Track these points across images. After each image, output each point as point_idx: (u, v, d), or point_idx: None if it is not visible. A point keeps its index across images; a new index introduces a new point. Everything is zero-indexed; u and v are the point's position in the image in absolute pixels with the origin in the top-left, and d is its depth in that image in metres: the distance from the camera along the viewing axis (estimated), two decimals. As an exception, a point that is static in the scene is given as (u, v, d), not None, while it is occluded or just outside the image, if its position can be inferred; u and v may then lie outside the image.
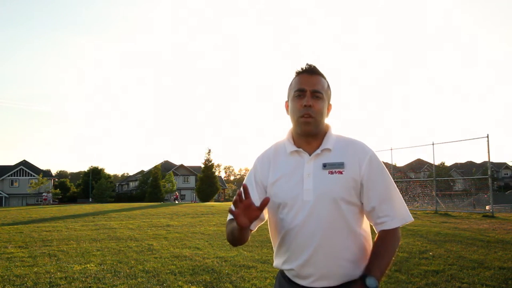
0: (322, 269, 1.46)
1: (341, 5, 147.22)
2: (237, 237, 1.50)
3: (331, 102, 1.62)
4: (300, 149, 1.55)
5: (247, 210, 1.39)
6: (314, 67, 1.56)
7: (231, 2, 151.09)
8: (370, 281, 1.36)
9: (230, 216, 1.61)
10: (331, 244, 1.46)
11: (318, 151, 1.53)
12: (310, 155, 1.54)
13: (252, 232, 1.61)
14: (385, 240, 1.49)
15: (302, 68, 1.57)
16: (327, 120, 1.61)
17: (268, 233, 1.65)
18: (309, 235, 1.47)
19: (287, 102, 1.61)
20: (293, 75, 1.60)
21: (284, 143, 1.61)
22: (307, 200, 1.48)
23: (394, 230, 1.50)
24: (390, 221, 1.49)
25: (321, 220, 1.47)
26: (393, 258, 1.49)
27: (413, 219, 1.55)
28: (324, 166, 1.51)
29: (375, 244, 1.51)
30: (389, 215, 1.49)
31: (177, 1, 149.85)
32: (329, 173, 1.49)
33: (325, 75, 1.59)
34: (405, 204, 1.56)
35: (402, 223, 1.51)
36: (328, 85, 1.59)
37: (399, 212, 1.51)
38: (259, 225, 1.63)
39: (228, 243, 1.64)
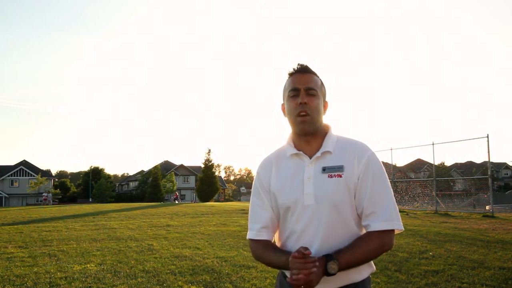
0: None
1: (341, 3, 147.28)
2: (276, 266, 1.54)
3: (327, 100, 1.62)
4: (301, 152, 1.55)
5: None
6: (306, 66, 1.57)
7: (234, 0, 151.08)
8: (332, 265, 1.36)
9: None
10: (331, 249, 1.46)
11: (318, 153, 1.52)
12: (310, 157, 1.53)
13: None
14: (366, 238, 1.46)
15: (294, 69, 1.57)
16: (327, 120, 1.62)
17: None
18: (310, 239, 1.48)
19: (283, 104, 1.62)
20: (287, 77, 1.60)
21: (285, 147, 1.61)
22: (308, 204, 1.48)
23: (379, 233, 1.45)
24: (375, 223, 1.45)
25: (322, 224, 1.47)
26: (366, 259, 1.44)
27: (403, 228, 1.47)
28: (324, 169, 1.50)
29: (358, 237, 1.47)
30: (376, 217, 1.45)
31: (177, 0, 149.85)
32: (328, 176, 1.48)
33: (318, 73, 1.59)
34: (398, 211, 1.49)
35: (387, 228, 1.45)
36: (322, 83, 1.60)
37: (387, 216, 1.45)
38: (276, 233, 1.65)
39: (258, 261, 1.63)
